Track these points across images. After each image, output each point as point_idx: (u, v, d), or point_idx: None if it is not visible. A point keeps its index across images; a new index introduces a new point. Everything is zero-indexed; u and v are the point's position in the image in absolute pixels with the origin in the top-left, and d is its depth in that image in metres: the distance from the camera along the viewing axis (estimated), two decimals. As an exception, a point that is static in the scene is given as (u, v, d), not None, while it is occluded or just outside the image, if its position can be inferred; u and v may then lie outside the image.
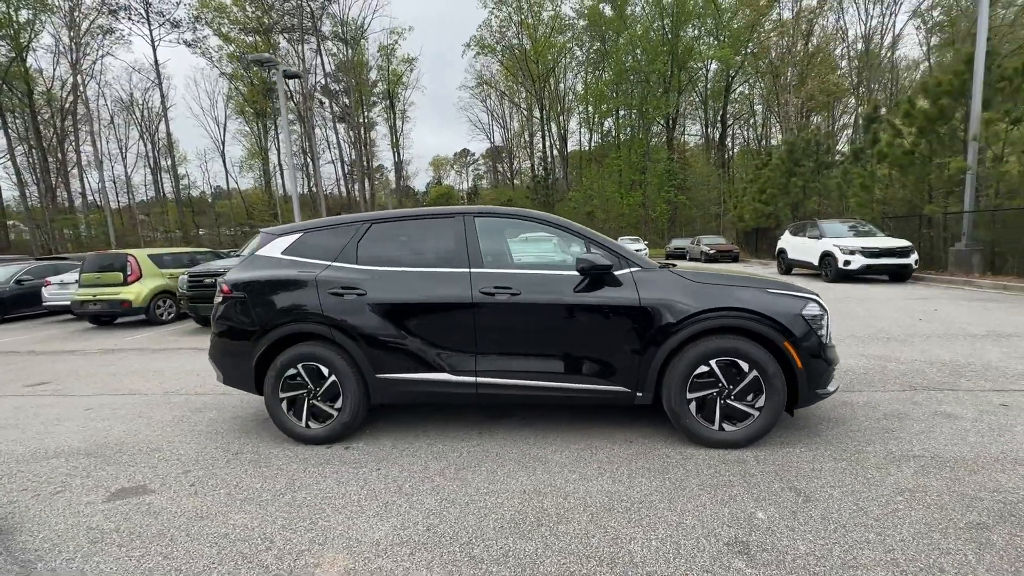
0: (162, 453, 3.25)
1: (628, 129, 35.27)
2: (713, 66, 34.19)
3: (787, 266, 13.82)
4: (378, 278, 3.27)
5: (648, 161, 32.52)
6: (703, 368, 3.03)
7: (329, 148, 41.82)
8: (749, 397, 3.03)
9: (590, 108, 41.87)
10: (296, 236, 3.51)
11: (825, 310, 3.15)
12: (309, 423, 3.29)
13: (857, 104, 37.09)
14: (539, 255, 4.36)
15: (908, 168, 12.48)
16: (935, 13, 32.80)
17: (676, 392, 3.06)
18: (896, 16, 33.87)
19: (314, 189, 38.45)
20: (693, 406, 3.07)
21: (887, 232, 12.26)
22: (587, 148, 45.79)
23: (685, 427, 3.09)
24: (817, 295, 3.18)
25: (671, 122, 34.81)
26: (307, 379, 3.26)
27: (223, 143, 41.24)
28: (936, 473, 2.56)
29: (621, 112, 35.07)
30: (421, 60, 55.56)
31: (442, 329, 3.22)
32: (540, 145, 39.78)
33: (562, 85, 44.14)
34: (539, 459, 3.00)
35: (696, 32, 33.43)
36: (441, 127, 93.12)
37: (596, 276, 3.13)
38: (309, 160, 39.43)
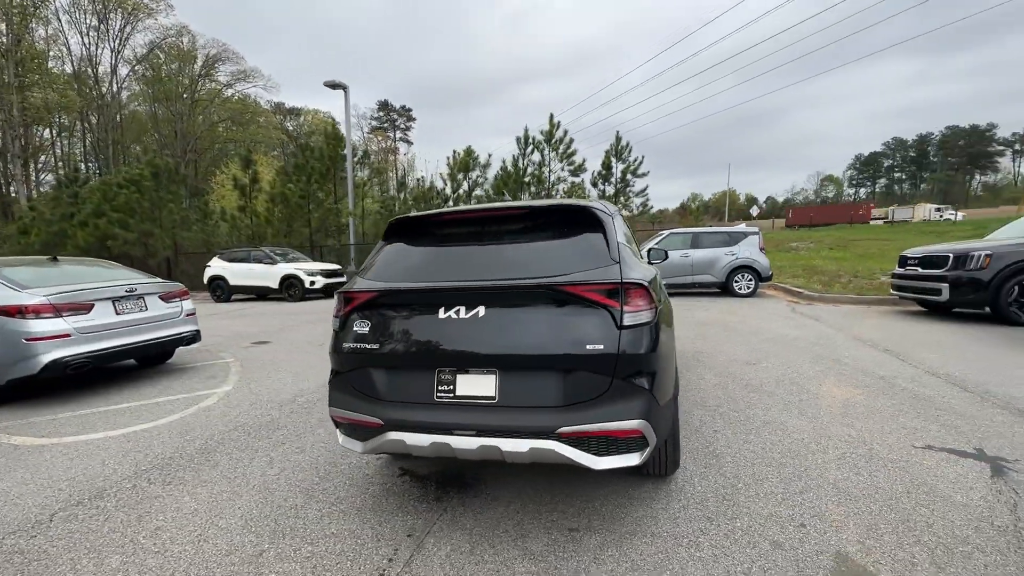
0: None
1: None
2: None
3: (229, 292, 14.21)
4: None
5: None
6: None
7: None
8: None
9: None
10: None
11: None
12: None
13: (83, 128, 34.99)
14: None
15: (302, 210, 16.35)
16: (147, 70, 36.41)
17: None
18: (117, 58, 34.54)
19: None
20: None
21: (316, 258, 15.79)
22: None
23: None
24: None
25: None
26: None
27: None
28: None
29: None
30: None
31: None
32: None
33: None
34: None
35: None
36: None
37: None
38: None
